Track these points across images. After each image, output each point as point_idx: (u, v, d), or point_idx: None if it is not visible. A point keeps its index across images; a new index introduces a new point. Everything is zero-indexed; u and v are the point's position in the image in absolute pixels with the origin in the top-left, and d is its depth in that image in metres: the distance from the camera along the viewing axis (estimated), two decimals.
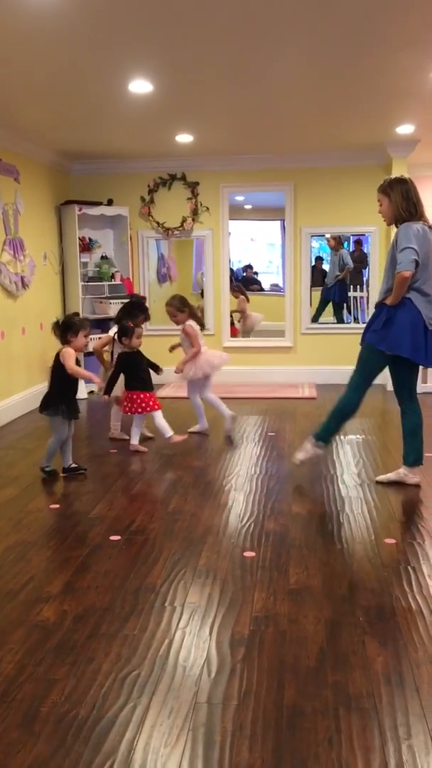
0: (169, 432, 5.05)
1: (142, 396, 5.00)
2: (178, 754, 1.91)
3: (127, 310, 5.35)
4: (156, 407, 5.06)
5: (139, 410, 5.01)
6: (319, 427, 4.37)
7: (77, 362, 4.47)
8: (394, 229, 4.12)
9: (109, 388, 5.00)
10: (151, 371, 5.16)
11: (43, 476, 4.49)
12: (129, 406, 5.02)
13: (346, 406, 4.26)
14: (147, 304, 5.66)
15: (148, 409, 5.02)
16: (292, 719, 2.06)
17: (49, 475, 4.51)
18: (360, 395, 4.21)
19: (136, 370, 5.04)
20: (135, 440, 5.12)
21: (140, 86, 4.71)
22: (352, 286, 8.69)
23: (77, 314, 4.69)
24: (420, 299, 3.93)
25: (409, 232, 3.88)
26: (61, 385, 4.41)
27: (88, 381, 4.80)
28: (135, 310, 5.35)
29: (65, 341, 4.43)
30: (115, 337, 5.22)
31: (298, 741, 1.96)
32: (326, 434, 4.35)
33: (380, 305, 4.05)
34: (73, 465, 4.56)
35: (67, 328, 4.42)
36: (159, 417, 5.07)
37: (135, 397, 5.00)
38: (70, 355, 4.37)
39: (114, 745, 1.95)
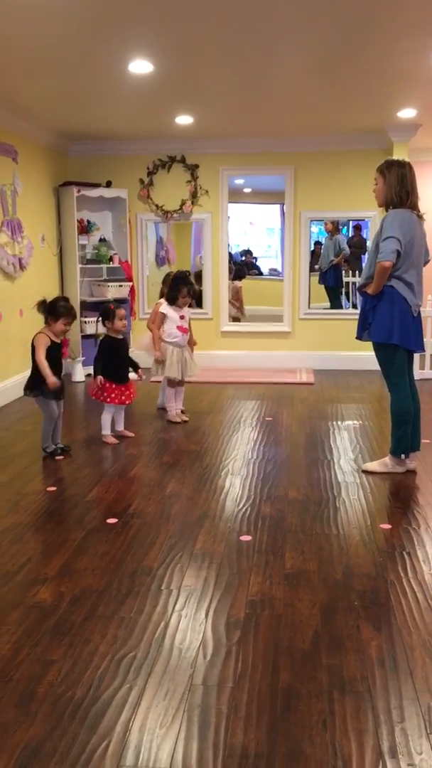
0: (106, 431, 4.92)
1: (113, 387, 4.85)
2: (174, 735, 1.93)
3: (171, 282, 5.38)
4: (121, 401, 4.89)
5: (107, 400, 4.86)
6: (391, 442, 4.17)
7: (57, 349, 4.47)
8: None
9: (96, 371, 4.88)
10: (132, 369, 4.99)
11: (45, 456, 4.53)
12: (96, 392, 4.89)
13: (400, 410, 4.07)
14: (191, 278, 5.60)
15: (116, 401, 4.87)
16: (286, 702, 2.07)
17: (61, 452, 4.56)
18: (405, 392, 4.07)
19: (113, 358, 4.86)
20: (105, 431, 4.93)
21: (140, 66, 4.66)
22: (351, 272, 8.65)
23: (66, 300, 4.56)
24: (403, 287, 3.93)
25: (395, 220, 3.87)
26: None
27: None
28: (178, 282, 5.35)
29: (46, 322, 4.47)
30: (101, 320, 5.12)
31: (293, 723, 1.98)
32: (401, 445, 4.13)
33: (363, 294, 4.06)
34: (60, 445, 4.61)
35: (49, 312, 4.44)
36: (109, 412, 4.91)
37: (106, 385, 4.84)
38: (41, 344, 4.39)
39: (110, 725, 1.97)
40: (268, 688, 2.14)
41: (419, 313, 4.05)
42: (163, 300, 5.47)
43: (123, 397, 4.91)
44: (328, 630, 2.47)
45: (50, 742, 1.91)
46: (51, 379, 4.36)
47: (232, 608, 2.62)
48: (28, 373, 4.57)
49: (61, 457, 4.55)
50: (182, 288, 5.35)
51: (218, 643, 2.39)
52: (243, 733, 1.93)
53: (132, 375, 4.98)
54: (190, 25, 3.91)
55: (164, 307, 5.39)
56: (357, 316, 4.30)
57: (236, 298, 8.83)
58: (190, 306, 5.65)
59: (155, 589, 2.78)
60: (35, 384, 4.44)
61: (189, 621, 2.54)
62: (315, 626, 2.49)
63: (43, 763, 1.83)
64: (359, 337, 4.18)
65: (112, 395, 4.86)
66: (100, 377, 4.86)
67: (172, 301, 5.39)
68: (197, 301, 7.95)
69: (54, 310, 4.43)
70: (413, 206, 3.95)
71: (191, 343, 5.59)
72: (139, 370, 5.05)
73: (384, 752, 1.85)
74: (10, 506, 3.71)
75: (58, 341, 4.52)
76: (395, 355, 4.03)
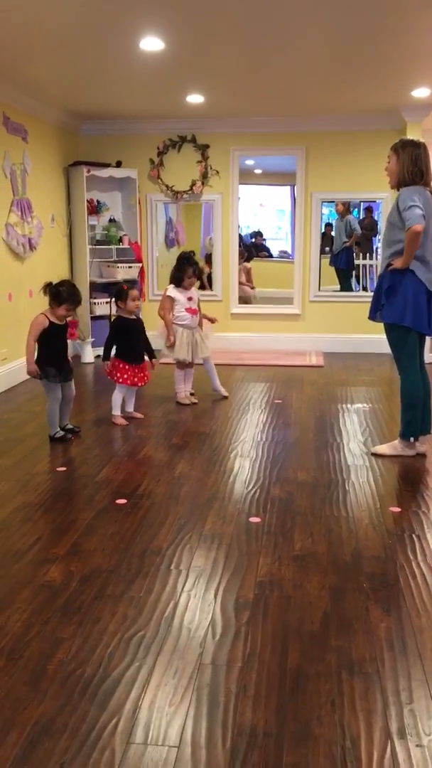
0: (116, 411, 4.92)
1: (125, 367, 4.85)
2: (183, 714, 1.94)
3: (176, 263, 5.38)
4: (133, 383, 4.87)
5: (119, 380, 4.84)
6: (400, 425, 4.16)
7: (60, 332, 4.45)
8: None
9: (106, 355, 4.88)
10: (147, 355, 4.96)
11: (55, 439, 4.52)
12: (110, 371, 4.88)
13: (410, 394, 4.04)
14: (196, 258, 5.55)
15: (128, 382, 4.85)
16: (295, 682, 2.08)
17: (71, 434, 4.54)
18: (416, 375, 4.04)
19: (126, 338, 4.85)
20: (115, 411, 4.93)
21: (152, 44, 4.61)
22: (361, 254, 8.58)
23: (71, 285, 4.49)
24: (421, 268, 3.89)
25: (411, 193, 3.83)
26: (47, 348, 4.41)
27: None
28: (183, 263, 5.34)
29: (49, 305, 4.44)
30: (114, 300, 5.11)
31: (301, 703, 1.99)
32: (410, 428, 4.10)
33: (384, 274, 4.01)
34: (69, 426, 4.59)
35: (53, 297, 4.40)
36: (121, 392, 4.90)
37: (120, 365, 4.84)
38: (34, 325, 4.38)
39: (119, 703, 1.98)
40: (277, 668, 2.15)
41: None
42: (170, 285, 5.44)
43: (136, 379, 4.89)
44: (337, 611, 2.47)
45: (60, 718, 1.92)
46: (30, 366, 4.37)
47: (241, 589, 2.63)
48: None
49: (71, 438, 4.54)
50: (187, 268, 5.33)
51: (227, 624, 2.39)
52: (252, 713, 1.94)
53: (145, 357, 4.96)
54: (202, 2, 3.85)
55: (171, 290, 5.37)
56: (367, 299, 4.26)
57: (249, 279, 8.81)
58: (202, 288, 5.64)
59: (164, 569, 2.79)
60: (40, 365, 4.41)
61: (198, 601, 2.55)
62: (324, 607, 2.50)
63: (54, 739, 1.84)
64: (372, 317, 4.15)
65: (125, 376, 4.85)
66: (107, 362, 4.85)
67: (177, 282, 5.37)
68: (208, 282, 7.93)
69: (57, 295, 4.38)
70: (427, 185, 3.91)
71: (209, 321, 5.59)
72: (154, 360, 5.02)
73: (392, 733, 1.86)
74: (20, 486, 3.73)
75: (61, 323, 4.48)
76: (407, 338, 4.00)
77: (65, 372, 4.49)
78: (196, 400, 5.48)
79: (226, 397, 5.64)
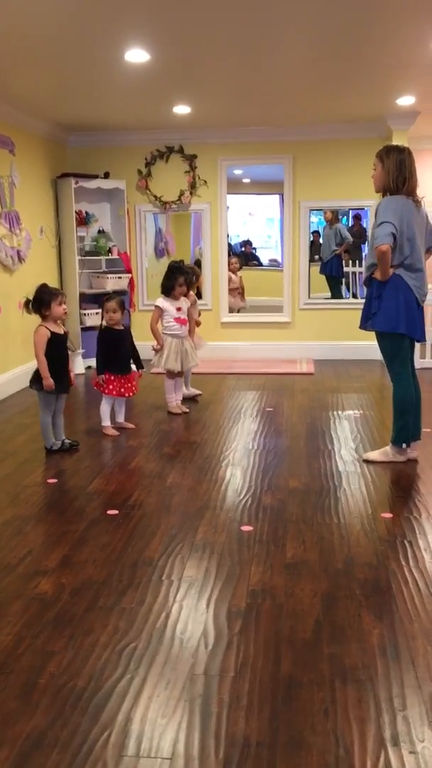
0: (105, 422, 4.91)
1: (111, 378, 4.83)
2: (175, 725, 1.92)
3: (166, 272, 5.41)
4: (120, 393, 4.86)
5: (105, 391, 4.84)
6: (392, 432, 4.16)
7: (61, 342, 4.42)
8: None
9: (99, 368, 4.86)
10: (134, 364, 4.96)
11: (45, 452, 4.50)
12: (97, 382, 4.87)
13: (402, 400, 4.05)
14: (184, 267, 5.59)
15: (114, 393, 4.84)
16: (288, 690, 2.07)
17: (69, 448, 4.51)
18: (407, 381, 4.05)
19: (110, 349, 4.82)
20: (104, 422, 4.91)
21: (137, 55, 4.63)
22: (351, 261, 8.62)
23: (45, 285, 4.46)
24: (408, 276, 3.91)
25: (388, 206, 3.85)
26: (49, 359, 4.36)
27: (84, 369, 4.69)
28: (174, 272, 5.35)
29: (42, 316, 4.39)
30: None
31: (294, 712, 1.98)
32: (402, 434, 4.10)
33: (369, 282, 4.04)
34: (68, 441, 4.56)
35: (39, 304, 4.36)
36: (108, 403, 4.90)
37: (106, 376, 4.82)
38: (39, 340, 4.33)
39: (111, 715, 1.97)
40: (270, 677, 2.14)
41: (423, 302, 4.03)
42: (161, 296, 5.44)
43: (122, 389, 4.87)
44: (330, 619, 2.46)
45: (52, 732, 1.91)
46: (48, 381, 4.33)
47: (233, 598, 2.62)
48: (28, 365, 4.53)
49: (77, 446, 4.54)
50: (178, 277, 5.34)
51: (219, 633, 2.38)
52: (245, 723, 1.93)
53: (132, 367, 4.95)
54: (187, 13, 3.87)
55: (160, 301, 5.38)
56: (357, 306, 4.28)
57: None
58: (199, 297, 5.69)
59: (156, 579, 2.78)
60: (39, 378, 4.38)
61: (190, 611, 2.54)
62: (316, 615, 2.49)
63: (45, 754, 1.82)
64: (363, 326, 4.16)
65: (110, 386, 4.84)
66: (101, 376, 4.83)
67: (168, 291, 5.37)
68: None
69: (41, 300, 4.35)
70: (411, 192, 3.92)
71: (192, 331, 5.63)
72: (141, 371, 5.02)
73: (386, 740, 1.85)
74: (10, 498, 3.71)
75: (61, 332, 4.47)
76: (401, 345, 4.01)
77: (65, 383, 4.47)
78: (187, 410, 5.48)
79: (199, 394, 5.88)
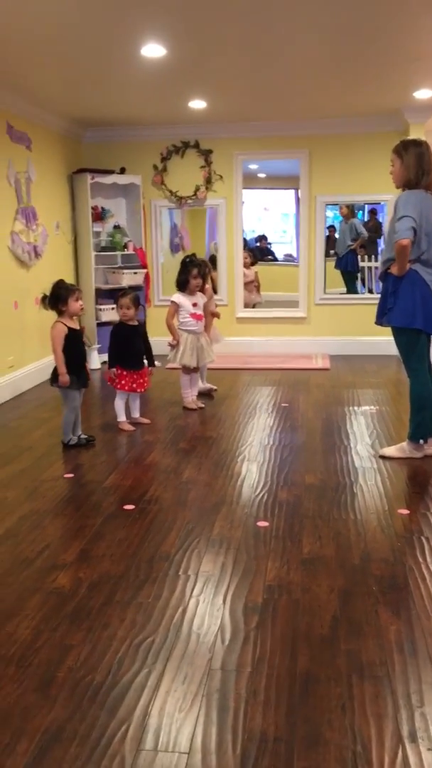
0: (121, 417, 4.93)
1: (123, 373, 4.85)
2: (192, 720, 1.93)
3: (180, 267, 5.42)
4: (132, 389, 4.87)
5: (117, 386, 4.87)
6: (409, 428, 4.15)
7: (78, 337, 4.43)
8: None
9: (110, 362, 4.88)
10: (147, 360, 4.97)
11: (63, 447, 4.52)
12: (111, 377, 4.90)
13: (419, 396, 4.03)
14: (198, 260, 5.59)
15: (126, 388, 4.86)
16: (305, 686, 2.07)
17: (86, 443, 4.53)
18: (425, 377, 4.02)
19: (123, 344, 4.85)
20: (120, 417, 4.94)
21: (153, 50, 4.62)
22: (366, 256, 8.58)
23: (62, 281, 4.50)
24: (425, 271, 3.89)
25: (409, 200, 3.83)
26: (67, 355, 4.38)
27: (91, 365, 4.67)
28: (187, 265, 5.36)
29: (59, 312, 4.42)
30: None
31: (311, 707, 1.98)
32: (419, 430, 4.09)
33: (385, 277, 4.02)
34: (84, 436, 4.58)
35: (56, 300, 4.39)
36: (122, 398, 4.92)
37: (118, 371, 4.85)
38: (56, 335, 4.35)
39: (129, 709, 1.98)
40: (287, 672, 2.14)
41: None
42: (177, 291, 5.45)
43: (134, 385, 4.89)
44: (347, 615, 2.46)
45: (70, 725, 1.92)
46: (63, 377, 4.35)
47: (249, 593, 2.62)
48: (44, 361, 4.56)
49: (93, 441, 4.57)
50: (191, 269, 5.33)
51: (236, 628, 2.39)
52: (262, 718, 1.94)
53: (144, 363, 4.97)
54: (203, 7, 3.86)
55: (176, 296, 5.38)
56: (373, 301, 4.26)
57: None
58: (215, 291, 5.69)
59: (173, 574, 2.79)
60: (57, 374, 4.40)
61: (207, 606, 2.54)
62: (333, 611, 2.49)
63: (64, 747, 1.84)
64: (378, 322, 4.14)
65: (122, 381, 4.86)
66: (112, 370, 4.86)
67: (182, 286, 5.37)
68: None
69: (58, 296, 4.38)
70: (428, 186, 3.90)
71: (209, 325, 5.62)
72: (151, 368, 5.02)
73: (404, 737, 1.85)
74: (28, 493, 3.73)
75: (78, 327, 4.48)
76: (417, 340, 3.98)
77: (83, 379, 4.49)
78: (202, 405, 5.48)
79: (215, 389, 5.90)
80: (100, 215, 7.60)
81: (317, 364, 7.21)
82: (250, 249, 9.04)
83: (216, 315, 5.94)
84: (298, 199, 8.01)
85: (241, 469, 4.07)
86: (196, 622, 2.44)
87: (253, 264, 8.69)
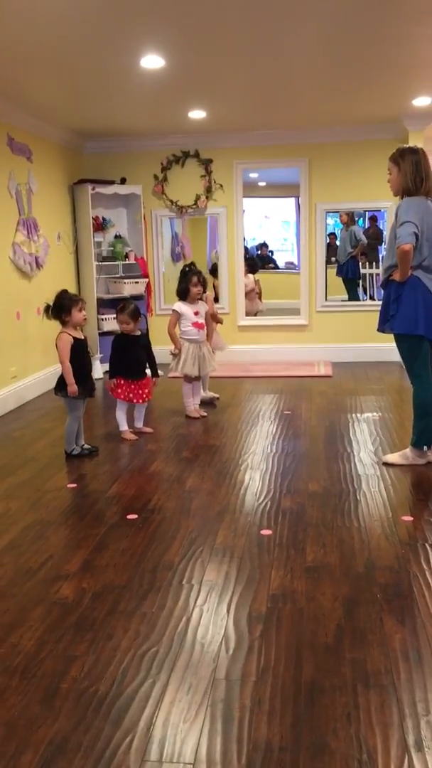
0: (123, 427, 4.94)
1: (121, 383, 4.87)
2: (197, 730, 1.92)
3: (179, 276, 5.44)
4: (129, 399, 4.89)
5: (121, 396, 4.88)
6: (412, 434, 4.14)
7: (82, 347, 4.44)
8: None
9: (111, 372, 4.89)
10: (150, 370, 4.98)
11: (68, 455, 4.52)
12: (111, 386, 4.92)
13: (423, 402, 4.02)
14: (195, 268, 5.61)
15: (122, 396, 4.88)
16: (310, 695, 2.06)
17: (88, 453, 4.53)
18: (428, 383, 4.01)
19: (122, 354, 4.86)
20: (122, 427, 4.95)
21: (152, 61, 4.65)
22: (367, 263, 8.60)
23: (65, 291, 4.51)
24: (427, 277, 3.89)
25: (410, 206, 3.84)
26: (72, 365, 4.38)
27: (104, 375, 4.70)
28: (186, 274, 5.38)
29: (63, 322, 4.42)
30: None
31: (317, 717, 1.97)
32: (423, 437, 4.08)
33: (387, 284, 4.02)
34: (87, 446, 4.58)
35: (59, 310, 4.40)
36: (122, 408, 4.94)
37: (119, 380, 4.88)
38: (63, 346, 4.36)
39: (133, 720, 1.97)
40: (292, 681, 2.13)
41: None
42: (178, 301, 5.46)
43: (131, 395, 4.89)
44: (351, 623, 2.45)
45: (75, 737, 1.91)
46: (72, 387, 4.35)
47: (253, 602, 2.62)
48: (47, 371, 4.56)
49: (96, 450, 4.58)
50: (191, 277, 5.35)
51: (240, 638, 2.38)
52: (267, 727, 1.93)
53: (147, 373, 4.97)
54: (201, 18, 3.88)
55: (177, 305, 5.39)
56: (374, 308, 4.26)
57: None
58: (216, 300, 5.71)
59: (176, 584, 2.78)
60: (64, 385, 4.41)
61: (211, 615, 2.54)
62: (338, 620, 2.48)
63: (68, 758, 1.83)
64: (381, 329, 4.14)
65: (119, 390, 4.87)
66: (112, 380, 4.88)
67: (183, 294, 5.38)
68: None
69: (62, 306, 4.38)
70: (428, 192, 3.91)
71: (212, 333, 5.63)
72: (155, 378, 5.01)
73: (409, 745, 1.84)
74: (31, 503, 3.73)
75: (82, 337, 4.50)
76: (420, 347, 3.98)
77: (89, 389, 4.50)
78: (205, 413, 5.48)
79: (217, 398, 5.90)
80: (101, 225, 7.62)
81: (319, 372, 7.21)
82: (249, 257, 9.06)
83: (218, 321, 5.95)
84: (298, 207, 8.04)
85: (244, 477, 4.07)
86: (200, 631, 2.43)
87: (253, 273, 8.69)
